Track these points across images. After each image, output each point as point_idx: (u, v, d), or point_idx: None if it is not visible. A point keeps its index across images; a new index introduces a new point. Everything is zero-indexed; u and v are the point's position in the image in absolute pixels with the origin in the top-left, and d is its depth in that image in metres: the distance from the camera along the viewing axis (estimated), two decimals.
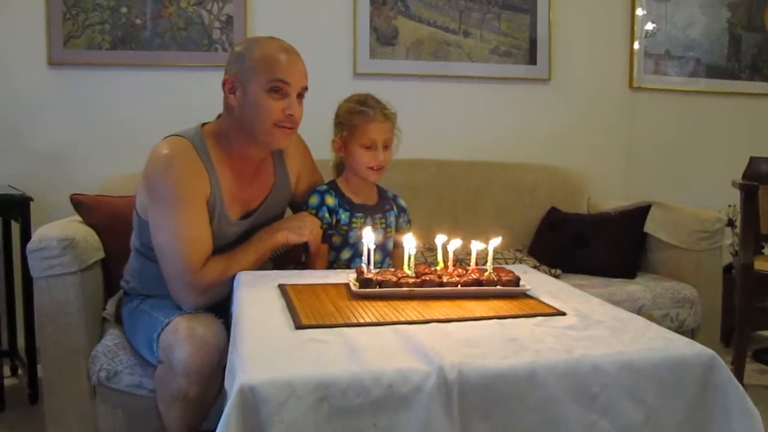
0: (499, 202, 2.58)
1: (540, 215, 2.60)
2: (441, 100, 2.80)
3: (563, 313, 1.21)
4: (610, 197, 2.81)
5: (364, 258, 1.37)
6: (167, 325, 1.44)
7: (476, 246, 1.40)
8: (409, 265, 1.36)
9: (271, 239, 1.56)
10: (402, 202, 1.80)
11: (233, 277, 1.48)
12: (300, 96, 1.55)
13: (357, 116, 1.62)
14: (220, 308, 1.51)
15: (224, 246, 1.56)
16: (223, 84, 1.53)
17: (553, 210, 2.63)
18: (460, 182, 2.57)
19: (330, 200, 1.66)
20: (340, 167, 1.75)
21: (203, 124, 1.59)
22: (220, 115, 1.60)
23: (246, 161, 1.59)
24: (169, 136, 1.53)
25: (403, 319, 1.15)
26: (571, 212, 2.61)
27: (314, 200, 1.67)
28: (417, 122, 2.65)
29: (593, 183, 2.84)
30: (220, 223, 1.54)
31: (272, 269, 1.69)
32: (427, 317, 1.16)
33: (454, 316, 1.17)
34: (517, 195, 2.61)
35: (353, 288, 1.30)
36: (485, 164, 2.66)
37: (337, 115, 1.68)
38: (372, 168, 1.64)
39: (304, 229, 1.60)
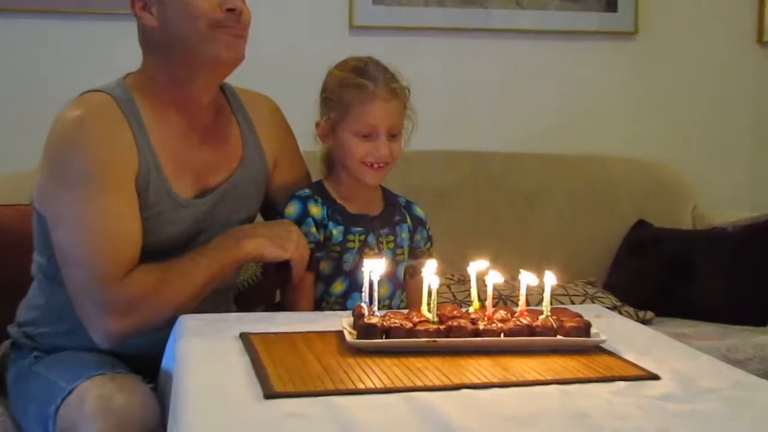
0: (561, 213, 2.60)
1: (621, 232, 2.61)
2: (477, 65, 2.78)
3: (656, 377, 1.21)
4: (727, 206, 2.81)
5: (365, 293, 1.37)
6: (70, 393, 1.44)
7: (527, 278, 1.40)
8: (430, 304, 1.36)
9: (235, 248, 1.56)
10: (419, 212, 1.80)
11: (174, 305, 1.48)
12: None
13: (351, 91, 1.64)
14: (150, 367, 1.50)
15: (174, 236, 1.59)
16: (132, 5, 1.59)
17: (642, 224, 2.63)
18: (504, 184, 2.58)
19: (315, 210, 1.67)
20: (330, 161, 1.76)
21: (126, 76, 1.64)
22: None
23: (190, 110, 1.62)
24: (82, 94, 1.58)
25: (420, 385, 1.15)
26: (668, 227, 2.60)
27: (293, 209, 1.68)
28: (441, 98, 2.63)
29: (701, 184, 2.84)
30: (160, 203, 1.56)
31: (236, 311, 1.70)
32: (456, 381, 1.16)
33: (496, 380, 1.18)
34: (588, 202, 2.62)
35: (349, 338, 1.30)
36: (541, 158, 2.67)
37: (324, 88, 1.70)
38: (370, 165, 1.65)
39: (288, 242, 1.59)
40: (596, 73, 2.89)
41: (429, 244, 1.81)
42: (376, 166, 1.65)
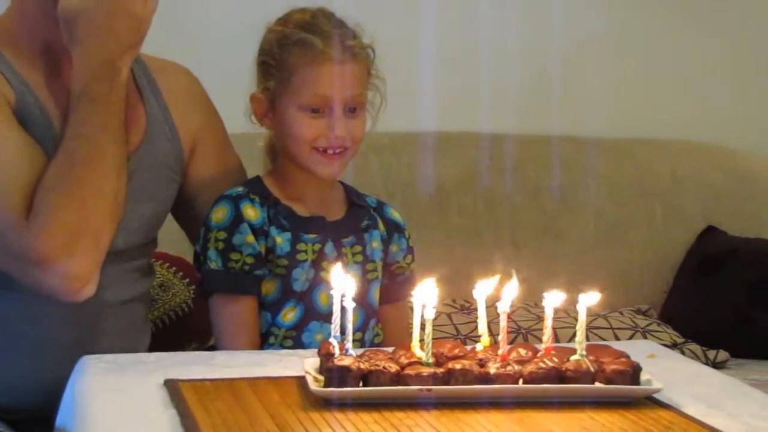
0: (602, 216, 2.59)
1: (685, 243, 2.63)
2: (485, 13, 2.70)
3: None
4: None
5: (335, 324, 1.33)
6: None
7: (553, 301, 1.36)
8: (423, 340, 1.32)
9: (113, 81, 1.54)
10: (395, 215, 1.79)
11: (106, 199, 1.50)
12: None
13: (294, 51, 1.64)
14: (40, 423, 1.53)
15: None
16: None
17: (711, 233, 2.63)
18: (523, 177, 2.56)
19: (251, 212, 1.67)
20: (275, 151, 1.76)
21: None
22: None
23: (67, 64, 1.59)
24: None
25: None
26: (748, 236, 2.59)
27: (221, 214, 1.67)
28: (436, 60, 2.55)
29: None
30: (46, 150, 1.55)
31: (148, 348, 1.70)
32: None
33: None
34: (639, 202, 2.60)
35: (314, 386, 1.28)
36: (574, 141, 2.63)
37: (261, 50, 1.69)
38: (322, 151, 1.64)
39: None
40: (652, 28, 2.83)
41: (409, 256, 1.78)
42: (330, 152, 1.64)
